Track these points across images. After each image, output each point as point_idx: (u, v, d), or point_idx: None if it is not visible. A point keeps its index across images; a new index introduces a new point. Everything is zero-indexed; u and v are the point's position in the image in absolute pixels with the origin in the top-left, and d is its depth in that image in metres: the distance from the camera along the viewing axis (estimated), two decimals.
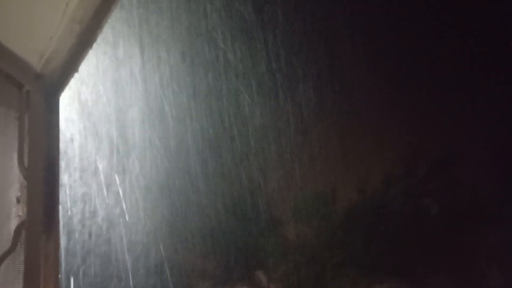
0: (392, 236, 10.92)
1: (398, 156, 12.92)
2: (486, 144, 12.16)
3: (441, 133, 12.92)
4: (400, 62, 13.22)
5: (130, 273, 8.72)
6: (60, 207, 1.20)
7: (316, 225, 11.28)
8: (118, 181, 9.42)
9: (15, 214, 1.07)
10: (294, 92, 11.90)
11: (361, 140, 13.18)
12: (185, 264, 10.47)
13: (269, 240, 11.01)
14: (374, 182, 11.97)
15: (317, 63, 11.72)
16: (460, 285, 10.35)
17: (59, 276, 1.12)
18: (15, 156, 1.10)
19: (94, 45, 1.17)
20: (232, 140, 10.99)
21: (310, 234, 11.25)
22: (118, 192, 9.26)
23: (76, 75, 1.23)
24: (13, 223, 1.06)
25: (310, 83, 11.99)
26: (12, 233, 1.04)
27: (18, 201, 1.08)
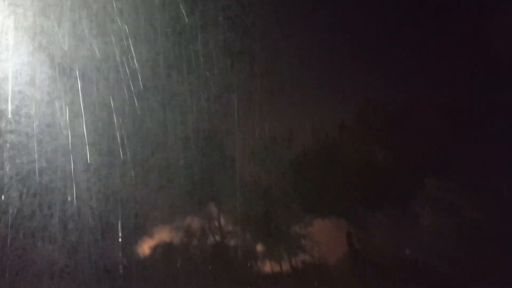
0: (341, 180, 11.73)
1: (353, 106, 13.67)
2: (436, 99, 12.99)
3: (394, 88, 13.63)
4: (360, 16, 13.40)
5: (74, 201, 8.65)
6: None
7: (269, 166, 11.75)
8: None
9: None
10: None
11: (317, 89, 13.61)
12: (138, 195, 10.73)
13: (222, 176, 11.44)
14: (328, 129, 12.64)
15: None
16: (396, 224, 11.66)
17: None
18: None
19: None
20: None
21: (263, 174, 11.75)
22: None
23: None
24: None
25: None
26: None
27: None
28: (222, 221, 13.05)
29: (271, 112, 13.22)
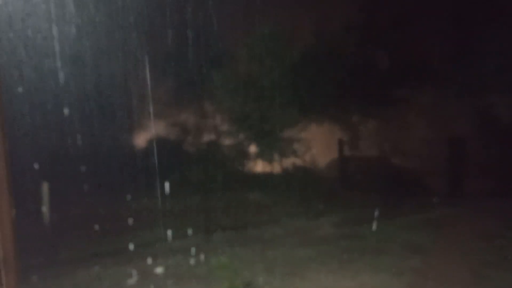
0: (340, 84, 11.71)
1: (359, 8, 13.02)
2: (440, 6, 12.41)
3: None
4: None
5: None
6: None
7: (269, 64, 11.56)
8: None
9: None
10: None
11: None
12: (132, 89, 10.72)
13: (220, 74, 11.37)
14: (331, 29, 12.19)
15: None
16: (388, 134, 12.17)
17: None
18: None
19: None
20: None
21: (262, 74, 11.60)
22: None
23: None
24: None
25: None
26: None
27: None
28: (218, 120, 12.79)
29: (273, 10, 12.03)
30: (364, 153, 14.59)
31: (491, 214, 7.64)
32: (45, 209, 7.02)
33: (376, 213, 8.44)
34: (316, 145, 15.34)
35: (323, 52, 12.62)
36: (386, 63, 13.39)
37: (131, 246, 6.73)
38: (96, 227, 7.11)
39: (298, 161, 12.70)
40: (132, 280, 4.77)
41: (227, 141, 14.16)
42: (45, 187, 6.95)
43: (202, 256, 5.86)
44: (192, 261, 5.61)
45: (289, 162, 13.25)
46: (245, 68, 12.82)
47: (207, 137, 14.74)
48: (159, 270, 5.20)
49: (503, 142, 10.88)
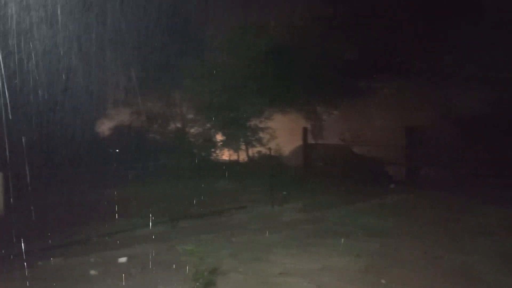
0: (308, 74, 11.89)
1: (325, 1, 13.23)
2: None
3: None
4: None
5: None
6: None
7: (240, 55, 11.54)
8: None
9: None
10: None
11: None
12: None
13: (192, 63, 11.29)
14: (299, 20, 12.32)
15: None
16: (351, 122, 12.59)
17: None
18: None
19: None
20: None
21: (232, 62, 11.58)
22: None
23: None
24: None
25: None
26: None
27: None
28: (184, 108, 12.71)
29: (242, 1, 12.00)
30: (328, 141, 14.98)
31: (445, 200, 8.14)
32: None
33: (338, 199, 8.75)
34: (281, 133, 15.59)
35: (289, 43, 12.73)
36: (351, 56, 13.72)
37: (95, 236, 6.59)
38: (59, 217, 6.90)
39: (263, 149, 12.86)
40: (95, 271, 4.69)
41: (193, 129, 14.06)
42: None
43: (167, 244, 5.87)
44: (157, 249, 5.59)
45: (255, 150, 13.39)
46: (212, 58, 12.72)
47: (174, 125, 14.56)
48: (122, 259, 5.14)
49: (459, 132, 11.52)
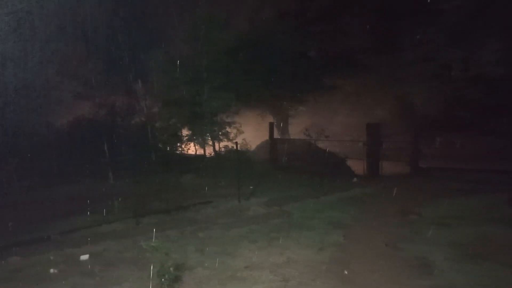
0: (273, 69, 11.98)
1: None
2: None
3: None
4: None
5: None
6: None
7: (204, 48, 11.39)
8: None
9: None
10: None
11: None
12: None
13: (154, 55, 11.04)
14: (266, 15, 12.37)
15: None
16: (317, 117, 12.85)
17: None
18: None
19: None
20: None
21: (197, 56, 11.42)
22: None
23: None
24: None
25: None
26: None
27: None
28: (148, 101, 12.42)
29: None
30: (294, 136, 15.21)
31: (404, 193, 8.49)
32: None
33: (304, 192, 8.90)
34: (248, 128, 15.63)
35: (257, 38, 12.74)
36: (317, 52, 13.96)
37: (55, 233, 6.32)
38: (16, 214, 6.53)
39: (230, 144, 12.82)
40: (55, 269, 4.51)
41: (158, 124, 13.75)
42: None
43: (131, 240, 5.74)
44: (121, 246, 5.46)
45: (222, 144, 13.33)
46: (178, 50, 12.49)
47: (138, 119, 14.18)
48: (84, 257, 4.97)
49: (418, 128, 12.03)
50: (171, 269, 3.95)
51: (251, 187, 9.26)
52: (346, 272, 4.21)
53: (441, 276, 4.06)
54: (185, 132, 12.96)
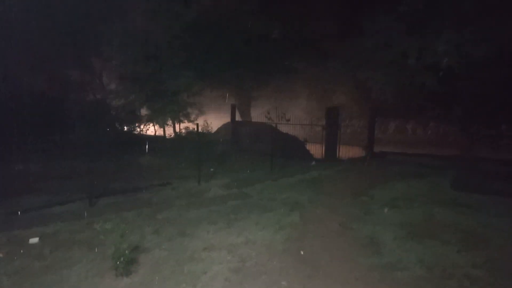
0: (235, 50, 11.81)
1: None
2: None
3: None
4: None
5: None
6: None
7: (166, 24, 10.98)
8: None
9: None
10: None
11: None
12: None
13: (112, 28, 10.53)
14: None
15: None
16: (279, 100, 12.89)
17: None
18: None
19: None
20: None
21: (158, 32, 10.99)
22: None
23: None
24: None
25: None
26: None
27: None
28: (105, 78, 11.97)
29: None
30: (255, 119, 15.21)
31: (360, 175, 8.82)
32: None
33: (264, 175, 9.00)
34: (210, 109, 15.43)
35: (220, 17, 12.41)
36: (280, 35, 13.88)
37: (3, 214, 5.97)
38: None
39: (191, 125, 12.59)
40: (1, 252, 4.28)
41: (116, 101, 13.17)
42: None
43: (84, 222, 5.55)
44: (73, 227, 5.26)
45: (182, 125, 13.07)
46: (138, 24, 11.96)
47: (93, 96, 13.50)
48: (34, 240, 4.75)
49: (374, 113, 12.44)
50: (126, 251, 3.87)
51: (212, 169, 9.22)
52: (302, 252, 4.34)
53: (389, 255, 4.30)
54: (144, 112, 12.55)
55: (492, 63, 8.74)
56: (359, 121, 12.62)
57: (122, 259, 3.83)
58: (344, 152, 11.69)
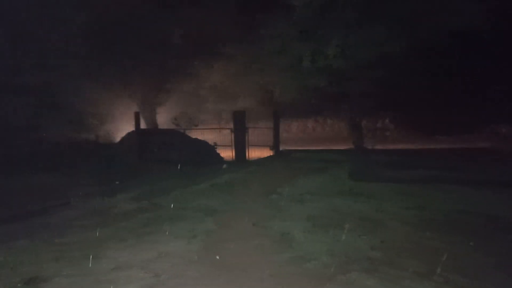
0: (130, 52, 11.30)
1: None
2: None
3: None
4: None
5: None
6: None
7: (53, 28, 10.02)
8: None
9: None
10: None
11: None
12: None
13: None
14: None
15: None
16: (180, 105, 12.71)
17: None
18: None
19: None
20: None
21: (45, 37, 9.98)
22: None
23: None
24: None
25: None
26: None
27: None
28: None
29: None
30: (162, 126, 14.79)
31: (269, 174, 9.19)
32: None
33: (174, 183, 8.79)
34: (112, 118, 14.50)
35: (116, 21, 11.79)
36: (181, 39, 13.71)
37: None
38: None
39: (91, 136, 11.72)
40: None
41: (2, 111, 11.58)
42: None
43: None
44: None
45: (81, 137, 12.07)
46: (24, 30, 10.69)
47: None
48: None
49: (277, 115, 12.99)
50: (19, 285, 3.42)
51: (117, 182, 8.68)
52: (217, 257, 4.32)
53: (299, 248, 4.53)
54: (35, 123, 11.27)
55: (374, 64, 9.92)
56: (265, 122, 13.17)
57: None
58: (253, 153, 12.04)
